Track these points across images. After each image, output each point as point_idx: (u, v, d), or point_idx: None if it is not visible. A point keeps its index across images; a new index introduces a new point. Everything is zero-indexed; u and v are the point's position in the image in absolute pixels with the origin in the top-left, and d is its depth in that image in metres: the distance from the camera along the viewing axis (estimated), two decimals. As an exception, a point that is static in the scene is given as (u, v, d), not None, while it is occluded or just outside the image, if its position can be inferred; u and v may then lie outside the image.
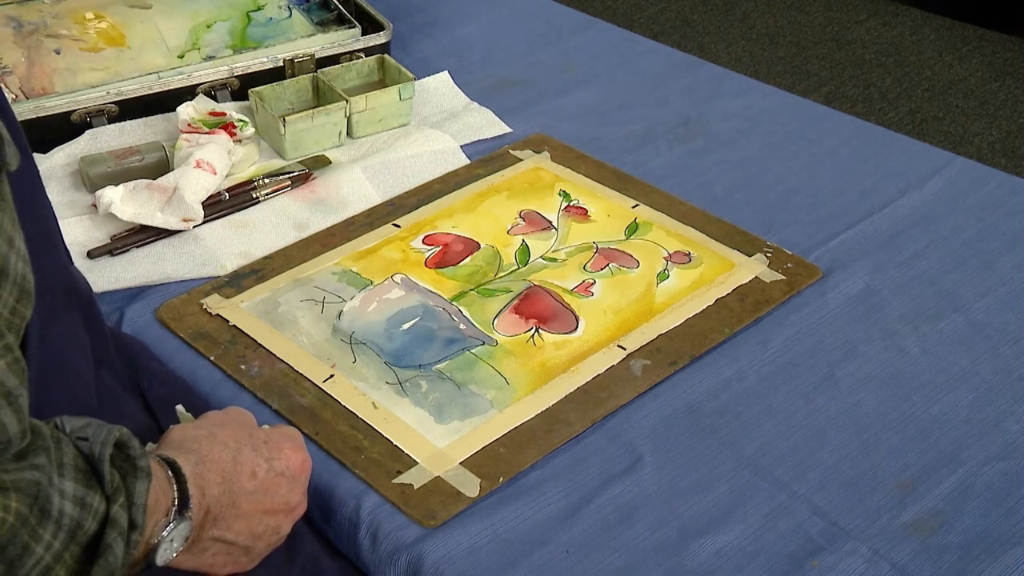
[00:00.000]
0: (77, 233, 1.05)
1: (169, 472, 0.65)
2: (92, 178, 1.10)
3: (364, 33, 1.33)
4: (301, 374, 0.91)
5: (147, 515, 0.60)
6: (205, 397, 0.90)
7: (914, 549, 0.79)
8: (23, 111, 1.15)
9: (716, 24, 3.05)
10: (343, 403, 0.88)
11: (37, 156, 1.14)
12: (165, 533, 0.63)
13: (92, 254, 1.03)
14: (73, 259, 1.02)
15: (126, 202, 1.05)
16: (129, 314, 0.98)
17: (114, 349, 0.85)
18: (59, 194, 1.11)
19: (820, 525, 0.80)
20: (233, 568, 0.72)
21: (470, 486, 0.82)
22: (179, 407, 0.79)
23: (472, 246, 1.06)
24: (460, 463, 0.83)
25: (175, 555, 0.64)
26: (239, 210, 1.10)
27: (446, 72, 1.35)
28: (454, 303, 0.99)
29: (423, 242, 1.06)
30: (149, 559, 0.63)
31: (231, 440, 0.71)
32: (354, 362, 0.92)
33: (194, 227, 1.06)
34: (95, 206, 1.07)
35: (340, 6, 1.36)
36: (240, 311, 0.97)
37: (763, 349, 0.95)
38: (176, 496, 0.64)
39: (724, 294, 1.00)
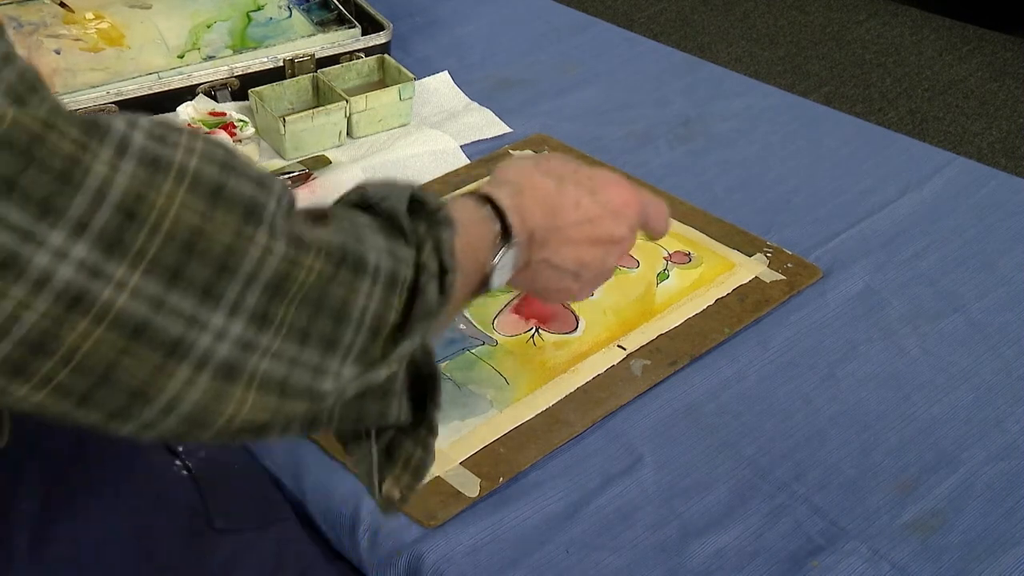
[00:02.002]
0: (77, 233, 1.05)
1: (489, 207, 0.69)
2: (92, 178, 1.10)
3: (364, 33, 1.33)
4: (301, 374, 0.91)
5: (471, 254, 0.65)
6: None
7: (914, 549, 0.79)
8: (23, 111, 1.15)
9: (716, 24, 3.05)
10: (343, 403, 0.88)
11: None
12: (495, 261, 0.68)
13: (92, 254, 1.03)
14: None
15: (126, 202, 1.05)
16: (129, 314, 0.97)
17: None
18: (59, 194, 1.10)
19: (820, 525, 0.80)
20: (564, 296, 0.78)
21: (470, 486, 0.82)
22: (508, 148, 0.87)
23: (472, 246, 1.06)
24: (460, 463, 0.83)
25: (508, 275, 0.70)
26: (239, 210, 1.10)
27: (446, 72, 1.35)
28: (454, 303, 0.98)
29: (423, 242, 1.06)
30: (487, 285, 0.69)
31: (554, 172, 0.74)
32: (354, 362, 0.92)
33: (194, 227, 1.06)
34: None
35: (340, 6, 1.36)
36: (240, 311, 0.97)
37: (763, 349, 0.95)
38: (499, 228, 0.69)
39: (724, 294, 1.00)
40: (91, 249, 0.45)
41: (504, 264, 0.69)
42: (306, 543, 0.80)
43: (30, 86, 0.46)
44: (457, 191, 0.76)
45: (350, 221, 0.57)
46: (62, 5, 0.89)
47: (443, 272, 0.59)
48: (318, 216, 0.56)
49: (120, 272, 0.46)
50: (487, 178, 0.77)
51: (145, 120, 0.49)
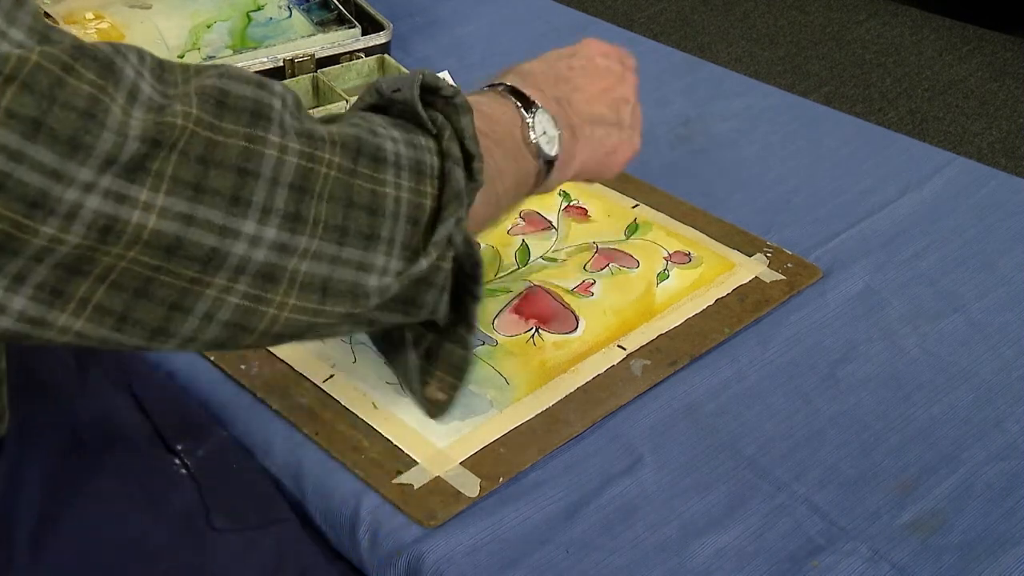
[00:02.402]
0: (77, 233, 1.05)
1: (499, 88, 0.73)
2: (92, 178, 1.10)
3: (364, 33, 1.33)
4: (301, 374, 0.91)
5: (501, 131, 0.67)
6: (204, 397, 0.90)
7: (914, 549, 0.79)
8: (23, 111, 1.15)
9: (716, 24, 3.05)
10: (343, 403, 0.88)
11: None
12: (531, 133, 0.70)
13: (92, 254, 1.03)
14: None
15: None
16: (129, 314, 0.97)
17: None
18: (59, 194, 1.10)
19: (820, 525, 0.80)
20: (626, 152, 0.83)
21: (470, 486, 0.82)
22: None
23: (472, 246, 1.06)
24: (460, 463, 0.83)
25: (558, 142, 0.72)
26: (239, 210, 1.10)
27: (446, 72, 1.34)
28: (454, 303, 0.99)
29: (423, 242, 1.06)
30: (545, 160, 0.71)
31: (532, 61, 0.80)
32: (354, 362, 0.92)
33: (194, 227, 1.06)
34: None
35: (340, 6, 1.36)
36: (240, 311, 0.97)
37: (763, 349, 0.95)
38: (516, 102, 0.71)
39: (724, 294, 1.00)
40: (115, 178, 0.47)
41: (544, 129, 0.71)
42: (306, 543, 0.80)
43: (47, 24, 0.48)
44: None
45: (363, 118, 0.57)
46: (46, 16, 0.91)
47: (468, 157, 0.60)
48: (330, 120, 0.57)
49: (144, 195, 0.47)
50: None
51: (148, 64, 0.51)
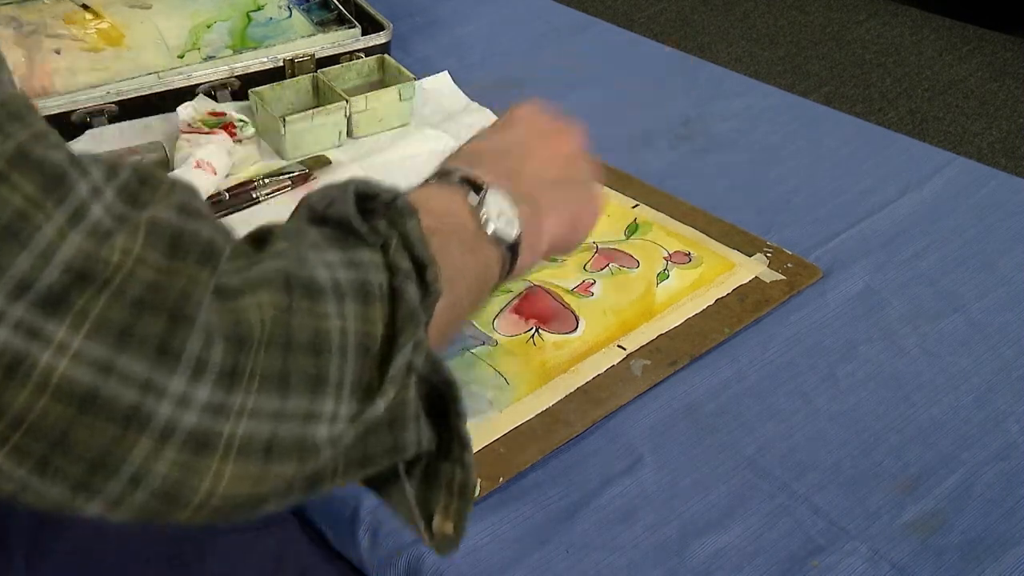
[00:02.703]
0: (77, 233, 1.05)
1: (440, 175, 0.65)
2: (92, 178, 1.10)
3: (364, 33, 1.33)
4: (301, 374, 0.91)
5: (450, 227, 0.60)
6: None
7: (914, 549, 0.79)
8: (23, 111, 1.15)
9: (716, 24, 3.05)
10: (343, 403, 0.88)
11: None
12: (485, 216, 0.63)
13: (92, 254, 1.03)
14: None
15: (126, 202, 1.05)
16: (129, 314, 0.97)
17: None
18: (59, 194, 1.10)
19: (820, 525, 0.80)
20: (590, 216, 0.75)
21: (470, 486, 0.82)
22: None
23: (472, 246, 1.06)
24: (460, 463, 0.83)
25: (518, 221, 0.64)
26: (239, 210, 1.10)
27: (446, 72, 1.35)
28: (454, 303, 0.98)
29: (423, 242, 1.06)
30: (507, 245, 0.64)
31: (473, 140, 0.74)
32: (354, 362, 0.92)
33: (194, 227, 1.06)
34: (95, 206, 1.07)
35: (340, 6, 1.36)
36: (240, 311, 0.97)
37: (763, 349, 0.95)
38: (464, 188, 0.64)
39: (724, 294, 1.00)
40: (29, 308, 0.41)
41: (500, 210, 0.63)
42: (306, 543, 0.80)
43: (9, 114, 0.43)
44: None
45: (294, 241, 0.51)
46: (84, 7, 0.89)
47: (420, 266, 0.53)
48: (261, 238, 0.52)
49: (61, 333, 0.42)
50: None
51: (119, 181, 0.46)
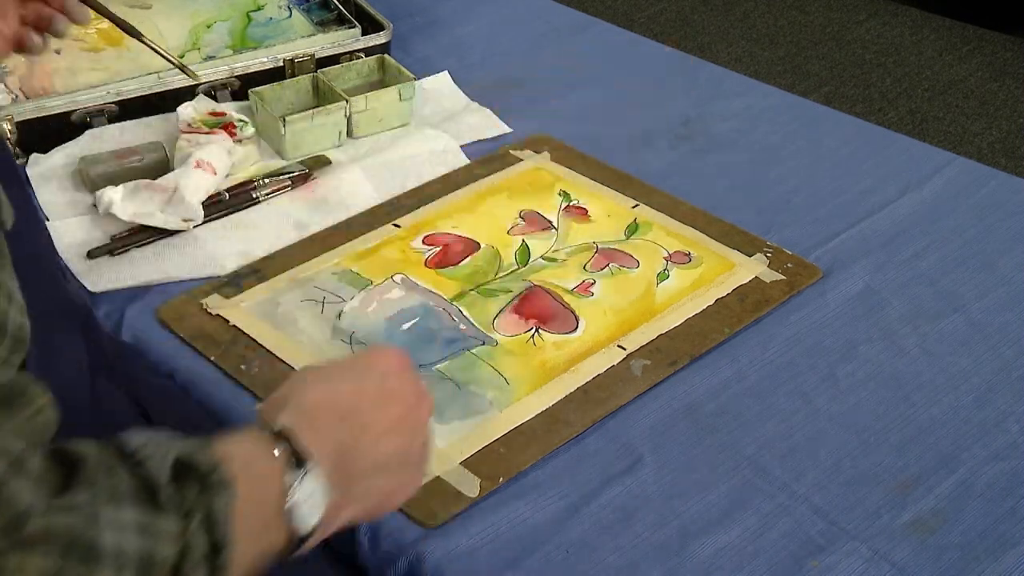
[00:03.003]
0: (77, 233, 1.05)
1: (270, 437, 0.59)
2: (92, 178, 1.10)
3: (364, 33, 1.33)
4: (301, 374, 0.91)
5: (255, 508, 0.55)
6: (206, 398, 0.90)
7: (914, 549, 0.79)
8: (23, 111, 1.15)
9: (716, 24, 3.04)
10: (343, 403, 0.88)
11: (37, 156, 1.14)
12: (291, 502, 0.57)
13: (92, 254, 1.03)
14: (72, 261, 1.02)
15: (126, 202, 1.05)
16: (129, 314, 0.98)
17: (114, 355, 0.84)
18: (59, 194, 1.11)
19: (820, 525, 0.80)
20: (410, 487, 0.68)
21: (470, 486, 0.82)
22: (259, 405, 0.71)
23: (472, 246, 1.06)
24: (460, 463, 0.83)
25: (321, 511, 0.59)
26: (239, 210, 1.10)
27: (446, 72, 1.35)
28: (454, 303, 0.99)
29: (423, 242, 1.06)
30: (297, 535, 0.58)
31: (317, 377, 0.66)
32: (354, 362, 0.92)
33: (194, 227, 1.06)
34: (95, 206, 1.07)
35: (340, 6, 1.36)
36: (240, 311, 0.97)
37: (763, 349, 0.95)
38: (286, 458, 0.58)
39: (724, 294, 1.00)
40: None
41: (310, 497, 0.58)
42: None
43: None
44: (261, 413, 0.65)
45: (97, 488, 0.49)
46: (182, 68, 0.90)
47: (215, 550, 0.51)
48: (72, 464, 0.50)
49: None
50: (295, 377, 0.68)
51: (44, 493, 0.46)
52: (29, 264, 0.62)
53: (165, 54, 0.91)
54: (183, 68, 0.90)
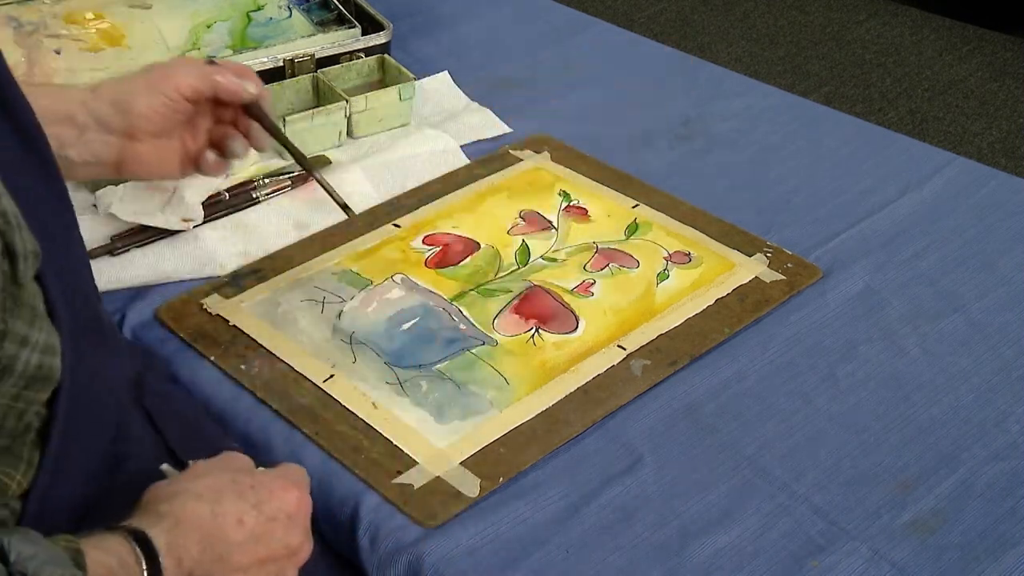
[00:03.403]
0: (77, 233, 1.05)
1: (137, 549, 0.61)
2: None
3: (364, 33, 1.32)
4: (301, 374, 0.91)
5: None
6: (205, 397, 0.90)
7: (914, 549, 0.79)
8: (23, 111, 1.15)
9: (716, 24, 3.05)
10: (343, 403, 0.88)
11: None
12: None
13: (92, 254, 1.03)
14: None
15: (126, 202, 1.05)
16: (129, 314, 0.98)
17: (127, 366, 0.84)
18: (59, 194, 1.10)
19: (820, 525, 0.80)
20: None
21: (470, 486, 0.82)
22: (165, 466, 0.72)
23: (472, 246, 1.06)
24: (460, 463, 0.83)
25: None
26: (239, 210, 1.10)
27: (446, 72, 1.35)
28: (454, 303, 0.99)
29: (423, 242, 1.06)
30: None
31: (209, 491, 0.66)
32: (354, 362, 0.92)
33: (194, 227, 1.06)
34: (95, 206, 1.07)
35: (340, 6, 1.36)
36: (240, 311, 0.97)
37: (763, 349, 0.95)
38: (146, 568, 0.60)
39: (724, 294, 1.00)
40: None
41: None
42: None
43: None
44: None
45: None
46: (344, 208, 0.89)
47: None
48: None
49: None
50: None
51: None
52: (68, 284, 0.65)
53: (336, 196, 0.90)
54: (346, 209, 0.89)
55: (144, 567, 0.61)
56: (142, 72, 0.88)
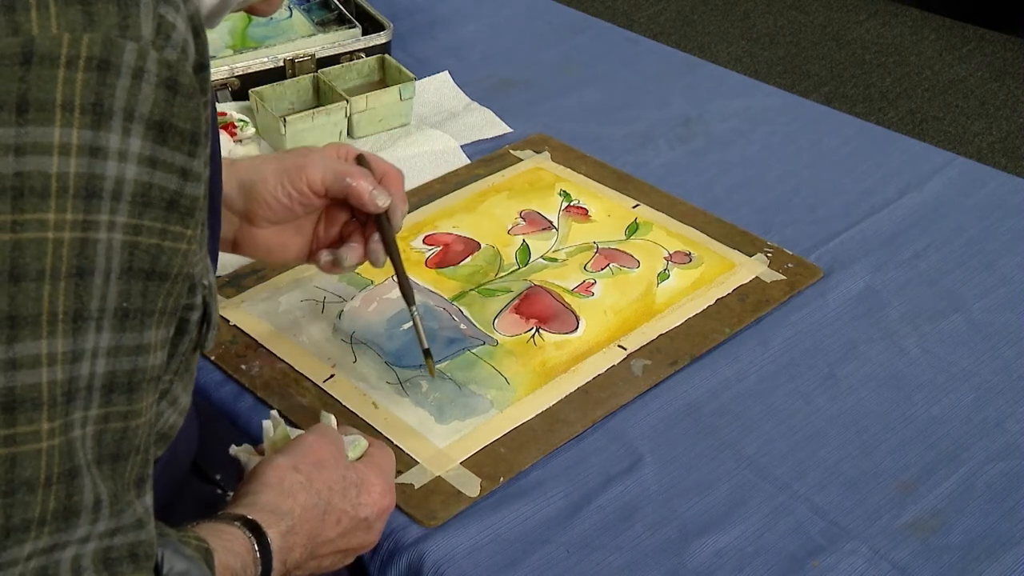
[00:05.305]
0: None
1: (257, 553, 0.63)
2: (92, 178, 1.10)
3: (364, 33, 1.33)
4: (301, 374, 0.91)
5: None
6: (205, 398, 0.90)
7: (914, 549, 0.79)
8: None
9: (716, 24, 3.05)
10: (343, 403, 0.88)
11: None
12: None
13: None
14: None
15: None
16: (129, 314, 0.97)
17: None
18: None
19: (820, 525, 0.80)
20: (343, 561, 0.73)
21: (470, 486, 0.82)
22: (268, 421, 0.75)
23: (472, 246, 1.06)
24: (460, 463, 0.83)
25: None
26: (239, 210, 1.10)
27: (446, 72, 1.35)
28: (454, 303, 0.99)
29: (423, 242, 1.06)
30: None
31: (325, 489, 0.69)
32: (354, 362, 0.92)
33: (194, 227, 1.06)
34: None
35: (340, 6, 1.36)
36: (240, 311, 0.97)
37: (763, 349, 0.95)
38: (260, 569, 0.63)
39: (724, 294, 1.00)
40: None
41: None
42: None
43: None
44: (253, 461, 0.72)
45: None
46: (426, 353, 0.87)
47: None
48: None
49: None
50: (296, 438, 0.73)
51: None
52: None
53: (421, 339, 0.87)
54: (427, 354, 0.87)
55: (259, 570, 0.63)
56: (278, 156, 0.85)
